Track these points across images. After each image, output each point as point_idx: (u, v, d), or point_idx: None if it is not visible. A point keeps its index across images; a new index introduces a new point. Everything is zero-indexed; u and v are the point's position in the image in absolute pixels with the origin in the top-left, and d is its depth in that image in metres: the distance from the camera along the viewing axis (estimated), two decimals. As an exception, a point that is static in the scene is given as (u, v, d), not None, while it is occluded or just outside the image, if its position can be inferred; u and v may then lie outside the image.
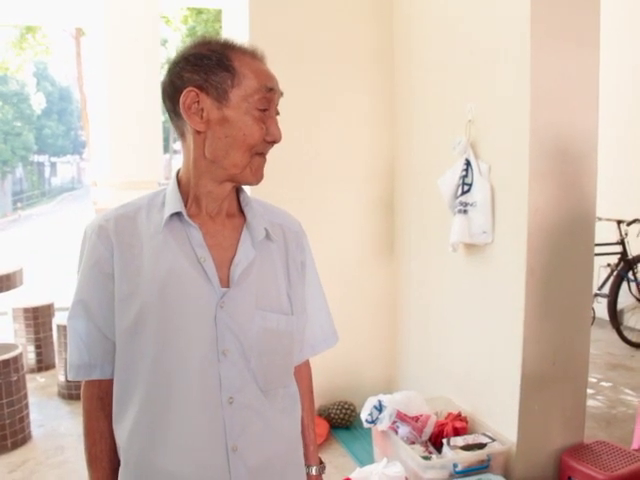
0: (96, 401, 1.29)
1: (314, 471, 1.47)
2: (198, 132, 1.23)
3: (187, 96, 1.21)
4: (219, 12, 10.32)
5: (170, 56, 12.17)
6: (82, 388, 1.31)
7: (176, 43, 13.67)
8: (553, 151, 2.72)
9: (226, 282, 1.24)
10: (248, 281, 1.25)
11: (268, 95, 1.22)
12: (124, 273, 1.22)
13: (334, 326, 1.52)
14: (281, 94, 1.28)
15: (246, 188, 1.38)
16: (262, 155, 1.26)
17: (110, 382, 1.27)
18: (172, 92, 1.24)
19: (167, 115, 1.29)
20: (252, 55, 1.25)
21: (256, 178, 1.27)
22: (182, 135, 1.28)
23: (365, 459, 3.28)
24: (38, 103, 35.85)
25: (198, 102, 1.21)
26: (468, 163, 2.97)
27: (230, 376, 1.22)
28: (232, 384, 1.22)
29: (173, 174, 1.32)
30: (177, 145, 21.43)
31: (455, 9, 3.18)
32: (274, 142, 1.26)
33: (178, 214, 1.24)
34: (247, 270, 1.25)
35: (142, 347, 1.21)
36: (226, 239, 1.28)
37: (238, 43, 1.26)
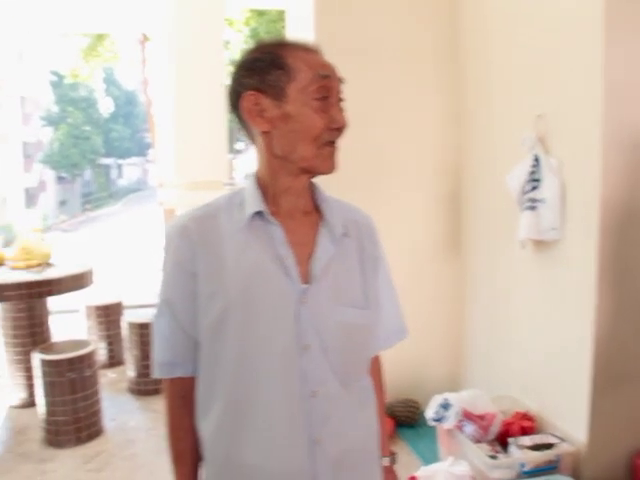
0: (179, 399, 1.33)
1: (387, 462, 1.50)
2: (264, 132, 1.25)
3: (246, 100, 1.24)
4: (281, 13, 10.41)
5: (233, 57, 12.35)
6: (165, 386, 1.35)
7: (238, 45, 13.85)
8: (627, 145, 2.64)
9: (306, 278, 1.26)
10: (327, 277, 1.27)
11: (324, 82, 1.23)
12: (207, 272, 1.25)
13: (404, 320, 1.53)
14: (341, 81, 1.27)
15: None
16: (331, 144, 1.26)
17: (192, 380, 1.31)
18: (235, 99, 1.28)
19: (231, 116, 1.32)
20: (304, 48, 1.26)
21: (328, 167, 1.27)
22: (252, 138, 1.31)
23: (430, 458, 3.26)
24: (106, 107, 37.04)
25: (258, 104, 1.23)
26: (537, 159, 2.91)
27: (312, 370, 1.24)
28: (315, 378, 1.24)
29: (250, 174, 1.34)
30: (239, 146, 21.67)
31: (523, 1, 3.13)
32: (339, 129, 1.25)
33: (259, 213, 1.26)
34: (326, 266, 1.27)
35: (226, 344, 1.23)
36: (304, 236, 1.29)
37: (290, 40, 1.27)
